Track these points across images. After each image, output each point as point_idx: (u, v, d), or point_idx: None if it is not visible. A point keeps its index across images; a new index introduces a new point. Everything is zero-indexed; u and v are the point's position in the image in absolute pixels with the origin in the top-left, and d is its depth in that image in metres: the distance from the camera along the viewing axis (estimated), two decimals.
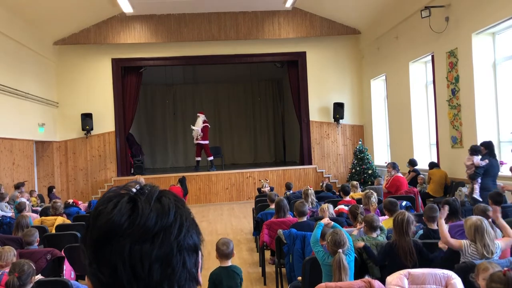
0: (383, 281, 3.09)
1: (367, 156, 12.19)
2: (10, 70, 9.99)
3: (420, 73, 10.66)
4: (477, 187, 6.90)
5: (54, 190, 10.83)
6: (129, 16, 12.43)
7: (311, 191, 6.63)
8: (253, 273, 6.08)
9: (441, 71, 9.15)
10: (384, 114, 12.73)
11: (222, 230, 9.07)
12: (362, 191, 7.55)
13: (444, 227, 3.63)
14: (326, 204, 5.48)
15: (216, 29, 12.80)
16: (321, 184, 11.07)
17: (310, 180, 13.13)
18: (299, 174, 13.27)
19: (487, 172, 6.87)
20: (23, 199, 7.74)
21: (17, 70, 10.37)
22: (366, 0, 11.31)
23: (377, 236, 4.13)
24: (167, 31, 12.70)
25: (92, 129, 12.83)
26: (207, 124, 13.55)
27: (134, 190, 0.80)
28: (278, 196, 6.60)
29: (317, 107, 13.65)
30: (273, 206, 6.19)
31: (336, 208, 5.83)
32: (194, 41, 12.88)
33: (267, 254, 6.23)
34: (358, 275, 3.57)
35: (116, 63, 13.15)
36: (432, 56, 9.58)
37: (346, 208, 5.68)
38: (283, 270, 5.21)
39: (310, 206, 6.17)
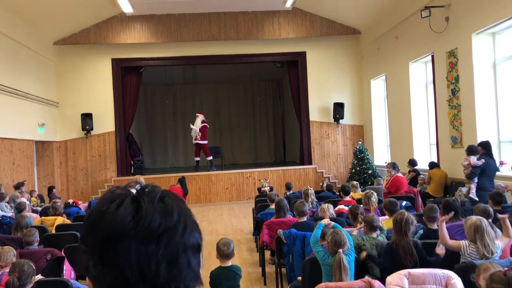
0: (383, 281, 3.09)
1: (367, 156, 12.20)
2: (10, 70, 9.99)
3: (420, 73, 10.66)
4: (473, 186, 6.96)
5: (54, 190, 10.83)
6: (129, 16, 12.43)
7: (311, 191, 6.63)
8: (253, 273, 6.08)
9: (441, 71, 9.15)
10: (384, 114, 12.73)
11: (222, 230, 9.07)
12: (362, 191, 7.55)
13: (444, 229, 3.62)
14: (326, 204, 5.48)
15: (216, 29, 12.80)
16: (321, 184, 11.07)
17: (310, 180, 13.13)
18: (299, 174, 13.27)
19: (484, 172, 6.89)
20: (23, 199, 7.74)
21: (17, 70, 10.37)
22: (366, 0, 11.31)
23: (377, 236, 4.13)
24: (167, 31, 12.70)
25: (92, 129, 12.83)
26: (206, 124, 13.54)
27: (135, 190, 0.81)
28: (278, 196, 6.60)
29: (317, 107, 13.65)
30: (273, 206, 6.19)
31: (336, 208, 5.83)
32: (194, 41, 12.88)
33: (267, 254, 6.23)
34: (358, 275, 3.57)
35: (116, 63, 13.16)
36: (432, 56, 9.59)
37: (346, 208, 5.68)
38: (283, 270, 5.21)
39: (310, 206, 6.17)
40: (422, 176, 9.42)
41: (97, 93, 13.09)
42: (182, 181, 10.56)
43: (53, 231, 5.73)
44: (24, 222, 5.23)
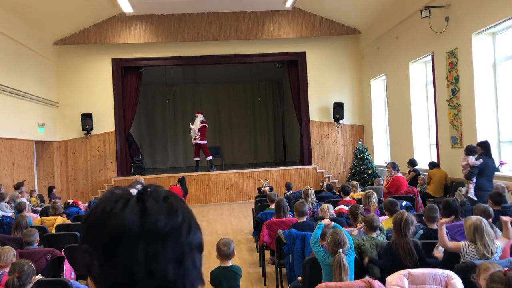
0: (383, 281, 3.09)
1: (367, 156, 12.19)
2: (10, 70, 9.99)
3: (420, 73, 10.66)
4: (471, 186, 6.99)
5: (54, 190, 10.83)
6: (129, 16, 12.43)
7: (311, 191, 6.63)
8: (253, 273, 6.08)
9: (441, 71, 9.15)
10: (384, 114, 12.73)
11: (222, 230, 9.07)
12: (362, 191, 7.55)
13: (444, 232, 3.62)
14: (326, 204, 5.48)
15: (216, 29, 12.80)
16: (321, 184, 11.07)
17: (310, 180, 13.13)
18: (299, 174, 13.27)
19: (482, 171, 6.91)
20: (23, 199, 7.74)
21: (17, 70, 10.37)
22: (366, 0, 11.31)
23: (377, 236, 4.13)
24: (167, 31, 12.70)
25: (92, 129, 12.83)
26: (205, 124, 13.54)
27: (136, 190, 0.81)
28: (278, 196, 6.60)
29: (317, 107, 13.65)
30: (273, 206, 6.19)
31: (336, 208, 5.83)
32: (194, 41, 12.88)
33: (267, 254, 6.23)
34: (358, 275, 3.57)
35: (116, 63, 13.16)
36: (432, 56, 9.58)
37: (346, 208, 5.68)
38: (283, 270, 5.21)
39: (310, 206, 6.17)
40: (422, 176, 9.42)
41: (97, 93, 13.09)
42: (182, 181, 10.56)
43: (53, 231, 5.73)
44: (24, 222, 5.23)
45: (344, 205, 5.93)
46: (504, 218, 3.74)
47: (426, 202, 8.16)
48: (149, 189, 0.81)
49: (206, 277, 3.61)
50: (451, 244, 3.57)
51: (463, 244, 3.48)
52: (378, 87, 13.09)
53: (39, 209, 8.11)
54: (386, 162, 10.88)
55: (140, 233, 0.74)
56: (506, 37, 7.91)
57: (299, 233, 4.73)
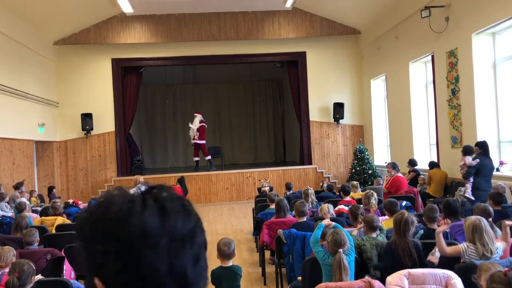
0: (383, 281, 3.09)
1: (367, 156, 12.19)
2: (10, 70, 9.99)
3: (420, 73, 10.66)
4: (469, 186, 7.04)
5: (54, 190, 10.83)
6: (129, 16, 12.43)
7: (311, 191, 6.63)
8: (253, 273, 6.08)
9: (441, 71, 9.15)
10: (384, 114, 12.73)
11: (222, 230, 9.07)
12: (362, 191, 7.55)
13: (441, 239, 3.62)
14: (326, 204, 5.48)
15: (216, 29, 12.80)
16: (321, 184, 11.07)
17: (310, 180, 13.13)
18: (299, 174, 13.27)
19: (479, 171, 6.94)
20: (23, 199, 7.74)
21: (17, 70, 10.37)
22: (366, 0, 11.31)
23: (377, 236, 4.13)
24: (167, 31, 12.70)
25: (92, 129, 12.83)
26: (204, 124, 13.54)
27: (136, 190, 0.82)
28: (278, 196, 6.60)
29: (317, 107, 13.65)
30: (273, 206, 6.19)
31: (336, 208, 5.83)
32: (194, 41, 12.88)
33: (267, 254, 6.23)
34: (358, 275, 3.57)
35: (116, 63, 13.16)
36: (432, 56, 9.58)
37: (346, 208, 5.68)
38: (283, 270, 5.21)
39: (310, 206, 6.17)
40: (422, 176, 9.42)
41: (97, 93, 13.08)
42: (181, 181, 10.56)
43: (53, 231, 5.73)
44: (24, 222, 5.23)
45: (344, 205, 5.93)
46: (507, 222, 3.74)
47: (426, 202, 8.17)
48: (155, 190, 0.81)
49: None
50: (450, 249, 3.55)
51: (462, 246, 3.47)
52: (378, 87, 13.09)
53: (39, 209, 8.11)
54: (386, 162, 10.88)
55: (161, 234, 0.75)
56: (506, 37, 7.91)
57: (299, 233, 4.73)
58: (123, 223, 0.75)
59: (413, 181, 9.39)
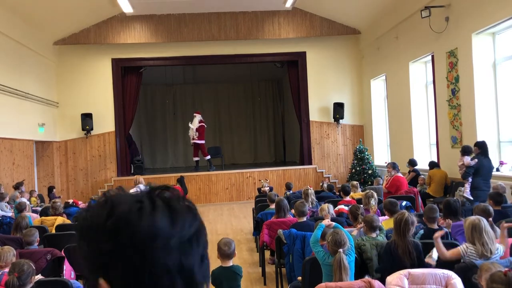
0: (383, 281, 3.09)
1: (367, 156, 12.19)
2: (10, 70, 9.99)
3: (420, 73, 10.65)
4: (467, 186, 7.08)
5: (54, 190, 10.83)
6: (129, 16, 12.43)
7: (311, 191, 6.63)
8: (253, 273, 6.08)
9: (441, 71, 9.15)
10: (384, 114, 12.73)
11: (222, 230, 9.07)
12: (362, 191, 7.55)
13: (440, 245, 3.62)
14: (326, 204, 5.48)
15: (216, 29, 12.80)
16: (321, 184, 11.08)
17: (310, 180, 13.13)
18: (299, 174, 13.27)
19: (478, 171, 6.96)
20: (23, 199, 7.74)
21: (17, 70, 10.37)
22: (366, 0, 11.31)
23: (377, 236, 4.13)
24: (167, 31, 12.70)
25: (92, 129, 12.83)
26: (203, 124, 13.55)
27: (137, 189, 0.82)
28: (278, 196, 6.59)
29: (317, 107, 13.65)
30: (273, 206, 6.19)
31: (336, 208, 5.83)
32: (194, 41, 12.88)
33: (267, 254, 6.23)
34: (358, 275, 3.57)
35: (116, 63, 13.16)
36: (432, 56, 9.58)
37: (346, 208, 5.68)
38: (283, 270, 5.21)
39: (310, 206, 6.17)
40: (422, 176, 9.42)
41: (97, 93, 13.08)
42: (181, 181, 10.57)
43: (53, 231, 5.73)
44: (24, 223, 5.23)
45: (344, 205, 5.93)
46: (506, 224, 3.75)
47: (426, 202, 8.17)
48: (160, 190, 0.82)
49: None
50: (450, 254, 3.54)
51: (462, 248, 3.47)
52: (378, 87, 13.09)
53: (39, 209, 8.10)
54: (386, 162, 10.88)
55: (171, 234, 0.76)
56: (506, 37, 7.91)
57: (299, 233, 4.73)
58: (134, 224, 0.76)
59: (413, 181, 9.38)
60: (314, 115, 13.62)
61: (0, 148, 9.38)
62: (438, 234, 3.66)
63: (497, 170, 7.73)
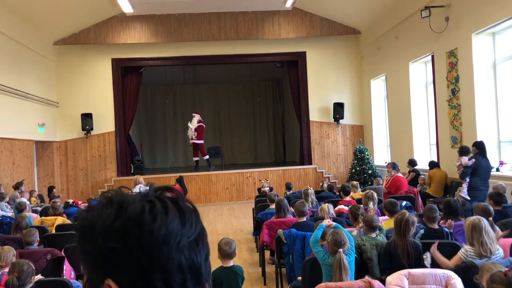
0: (383, 281, 3.09)
1: (367, 156, 12.19)
2: (10, 70, 9.99)
3: (420, 73, 10.65)
4: (464, 186, 7.11)
5: (54, 190, 10.83)
6: (129, 16, 12.42)
7: (311, 191, 6.63)
8: (253, 273, 6.08)
9: (441, 71, 9.15)
10: (384, 114, 12.73)
11: (222, 230, 9.07)
12: (362, 191, 7.55)
13: (440, 256, 3.61)
14: (326, 204, 5.48)
15: (216, 29, 12.80)
16: (321, 184, 11.08)
17: (310, 180, 13.13)
18: (299, 174, 13.27)
19: (475, 171, 6.98)
20: (23, 199, 7.73)
21: (17, 70, 10.37)
22: (366, 0, 11.31)
23: (376, 236, 4.13)
24: (167, 31, 12.70)
25: (92, 129, 12.83)
26: (202, 124, 13.56)
27: (138, 189, 0.83)
28: (278, 196, 6.59)
29: (317, 107, 13.65)
30: (273, 206, 6.19)
31: (336, 208, 5.83)
32: (194, 41, 12.88)
33: (267, 254, 6.23)
34: (358, 275, 3.57)
35: (116, 63, 13.15)
36: (432, 56, 9.58)
37: (346, 208, 5.68)
38: (283, 270, 5.21)
39: (310, 206, 6.17)
40: (422, 176, 9.42)
41: (97, 93, 13.08)
42: (180, 180, 10.58)
43: (53, 231, 5.73)
44: (24, 223, 5.23)
45: (344, 205, 5.93)
46: (501, 233, 3.77)
47: (426, 202, 8.17)
48: (164, 191, 0.83)
49: None
50: (452, 262, 3.52)
51: (462, 254, 3.46)
52: (378, 87, 13.09)
53: (39, 209, 8.10)
54: (386, 162, 10.87)
55: (182, 233, 0.78)
56: (506, 37, 7.91)
57: (299, 233, 4.73)
58: (148, 224, 0.76)
59: (413, 181, 9.38)
60: (314, 115, 13.62)
61: (0, 148, 9.38)
62: (434, 248, 3.63)
63: (497, 170, 7.74)
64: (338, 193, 8.36)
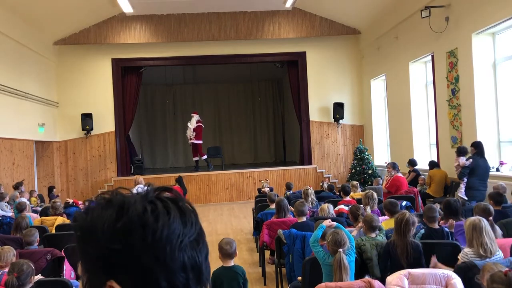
0: (383, 281, 3.09)
1: (367, 156, 12.19)
2: (10, 70, 9.99)
3: (420, 73, 10.65)
4: (462, 186, 7.14)
5: (54, 190, 10.83)
6: (129, 16, 12.42)
7: (311, 191, 6.63)
8: (253, 273, 6.08)
9: (441, 71, 9.15)
10: (384, 114, 12.73)
11: (222, 230, 9.07)
12: (362, 191, 7.55)
13: (443, 266, 3.60)
14: (326, 204, 5.48)
15: (216, 29, 12.80)
16: (321, 184, 11.07)
17: (310, 180, 13.13)
18: (299, 174, 13.27)
19: (473, 171, 6.99)
20: (23, 199, 7.73)
21: (17, 70, 10.37)
22: (366, 0, 11.31)
23: (376, 236, 4.13)
24: (167, 31, 12.70)
25: (92, 129, 12.83)
26: (201, 124, 13.56)
27: (138, 189, 0.84)
28: (278, 196, 6.59)
29: (317, 107, 13.65)
30: (273, 206, 6.19)
31: (336, 208, 5.83)
32: (194, 41, 12.88)
33: (267, 254, 6.23)
34: (358, 275, 3.56)
35: (116, 63, 13.15)
36: (432, 56, 9.58)
37: (346, 208, 5.68)
38: (283, 270, 5.21)
39: (310, 206, 6.17)
40: (422, 176, 9.42)
41: (97, 93, 13.08)
42: (180, 180, 10.57)
43: (53, 231, 5.73)
44: (24, 222, 5.23)
45: (344, 205, 5.93)
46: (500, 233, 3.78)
47: (426, 202, 8.17)
48: (163, 191, 0.83)
49: None
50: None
51: (461, 257, 3.45)
52: (378, 87, 13.09)
53: (39, 209, 8.10)
54: (386, 162, 10.87)
55: (184, 233, 0.78)
56: (506, 37, 7.90)
57: (299, 233, 4.73)
58: (151, 225, 0.76)
59: (413, 181, 9.38)
60: (314, 115, 13.62)
61: (0, 148, 9.38)
62: (434, 263, 3.61)
63: (497, 170, 7.74)
64: (338, 193, 8.36)
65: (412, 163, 9.80)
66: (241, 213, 11.10)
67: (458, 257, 3.50)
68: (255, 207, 7.86)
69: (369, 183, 11.35)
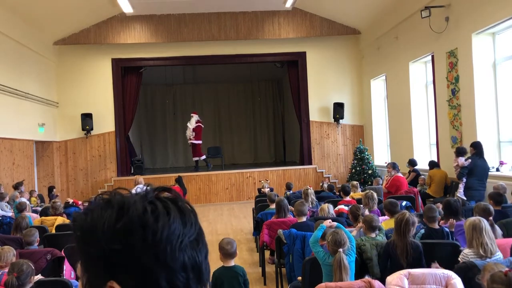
0: (383, 281, 3.09)
1: (367, 156, 12.19)
2: (10, 70, 9.99)
3: (420, 73, 10.65)
4: (461, 186, 7.18)
5: (54, 190, 10.83)
6: (129, 16, 12.42)
7: (311, 190, 6.63)
8: (253, 273, 6.08)
9: (441, 71, 9.15)
10: (384, 114, 12.73)
11: (222, 230, 9.07)
12: (362, 191, 7.55)
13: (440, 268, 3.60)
14: (326, 204, 5.48)
15: (216, 29, 12.80)
16: (321, 184, 11.07)
17: (310, 180, 13.12)
18: (299, 174, 13.27)
19: (472, 172, 7.02)
20: (23, 199, 7.73)
21: (17, 70, 10.37)
22: (366, 0, 11.31)
23: (376, 236, 4.13)
24: (167, 31, 12.69)
25: (92, 129, 12.83)
26: (200, 124, 13.56)
27: (138, 189, 0.84)
28: (278, 196, 6.59)
29: (317, 107, 13.65)
30: (273, 206, 6.19)
31: (336, 208, 5.83)
32: (194, 41, 12.88)
33: (267, 254, 6.23)
34: (358, 275, 3.56)
35: (116, 63, 13.15)
36: (432, 56, 9.58)
37: (346, 208, 5.68)
38: (283, 270, 5.21)
39: (310, 206, 6.17)
40: (422, 176, 9.42)
41: (97, 93, 13.08)
42: (179, 180, 10.58)
43: (53, 231, 5.73)
44: (24, 222, 5.23)
45: (344, 205, 5.93)
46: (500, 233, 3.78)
47: (426, 202, 8.17)
48: (162, 192, 0.84)
49: None
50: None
51: (461, 258, 3.45)
52: (378, 87, 13.09)
53: (39, 209, 8.10)
54: (386, 162, 10.87)
55: (184, 234, 0.79)
56: (506, 37, 7.90)
57: (299, 233, 4.73)
58: (151, 225, 0.76)
59: (413, 181, 9.38)
60: (314, 115, 13.62)
61: (0, 148, 9.38)
62: (434, 265, 3.61)
63: (497, 170, 7.74)
64: (338, 193, 8.36)
65: (412, 163, 9.80)
66: (241, 213, 11.10)
67: (459, 259, 3.50)
68: (255, 207, 7.86)
69: (369, 183, 11.35)
